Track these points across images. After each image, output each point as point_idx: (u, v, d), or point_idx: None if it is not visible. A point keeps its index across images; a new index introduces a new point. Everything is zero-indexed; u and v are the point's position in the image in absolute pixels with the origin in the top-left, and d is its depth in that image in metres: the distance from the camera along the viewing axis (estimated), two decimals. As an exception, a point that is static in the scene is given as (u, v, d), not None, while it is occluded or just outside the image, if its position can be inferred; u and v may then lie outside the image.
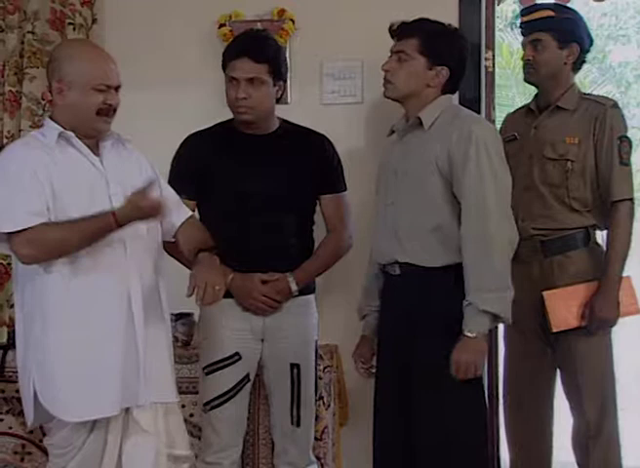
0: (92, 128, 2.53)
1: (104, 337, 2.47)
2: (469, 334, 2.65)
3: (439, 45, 2.81)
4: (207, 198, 3.01)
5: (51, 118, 2.58)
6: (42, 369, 2.47)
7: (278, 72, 2.99)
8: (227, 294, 2.95)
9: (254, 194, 2.95)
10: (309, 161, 3.04)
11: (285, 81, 3.08)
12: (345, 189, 3.14)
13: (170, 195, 2.69)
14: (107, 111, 2.51)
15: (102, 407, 2.47)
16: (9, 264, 3.64)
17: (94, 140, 2.56)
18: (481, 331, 2.66)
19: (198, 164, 3.00)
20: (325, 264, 3.09)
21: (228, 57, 2.97)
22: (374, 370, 2.99)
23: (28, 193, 2.42)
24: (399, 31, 2.87)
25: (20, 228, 2.40)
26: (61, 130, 2.51)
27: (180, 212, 2.71)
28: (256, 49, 2.95)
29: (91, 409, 2.47)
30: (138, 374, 2.49)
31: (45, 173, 2.44)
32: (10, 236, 2.42)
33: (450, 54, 2.84)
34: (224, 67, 2.99)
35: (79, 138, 2.52)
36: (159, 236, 2.65)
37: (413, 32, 2.82)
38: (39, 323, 2.47)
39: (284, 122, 3.09)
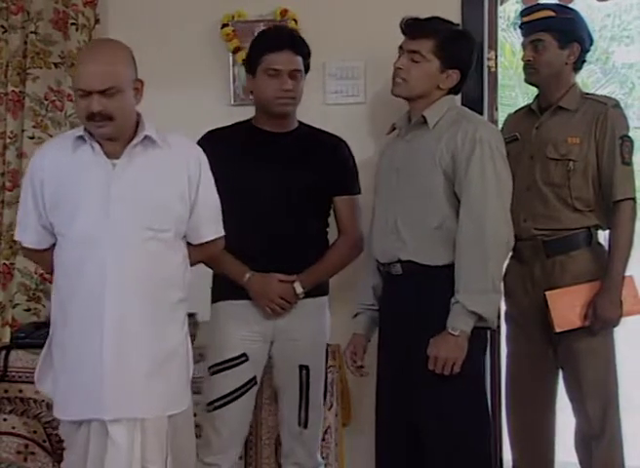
0: (93, 133, 2.52)
1: (75, 342, 2.51)
2: (452, 332, 2.67)
3: (454, 48, 2.82)
4: (224, 196, 2.94)
5: None
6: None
7: (308, 66, 3.04)
8: (238, 296, 2.97)
9: (271, 192, 2.94)
10: (325, 162, 3.04)
11: None
12: (359, 192, 3.13)
13: (204, 208, 2.64)
14: (92, 117, 2.47)
15: (62, 408, 2.57)
16: (12, 264, 3.66)
17: (120, 142, 2.54)
18: (465, 329, 2.67)
19: (217, 161, 2.80)
20: (334, 267, 3.07)
21: (266, 50, 2.95)
22: (365, 369, 2.99)
23: (26, 213, 2.63)
24: (414, 30, 2.85)
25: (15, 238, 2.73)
26: (81, 133, 2.54)
27: (209, 229, 2.68)
28: (295, 42, 3.00)
29: (62, 409, 2.58)
30: (101, 386, 2.47)
31: (42, 178, 2.56)
32: None
33: (463, 57, 2.86)
34: (256, 61, 2.97)
35: (100, 142, 2.53)
36: (169, 243, 2.60)
37: (429, 33, 2.82)
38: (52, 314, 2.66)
39: (301, 123, 3.10)
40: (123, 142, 2.54)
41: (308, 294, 3.00)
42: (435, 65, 2.82)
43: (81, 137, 2.55)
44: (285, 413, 3.08)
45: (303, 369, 3.01)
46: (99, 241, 2.48)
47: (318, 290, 3.04)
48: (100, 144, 2.53)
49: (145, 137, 2.55)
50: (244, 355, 2.97)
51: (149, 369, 2.52)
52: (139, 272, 2.51)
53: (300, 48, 3.01)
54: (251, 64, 3.01)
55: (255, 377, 3.01)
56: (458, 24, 2.93)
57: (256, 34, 3.19)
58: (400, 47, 2.88)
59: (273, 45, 2.96)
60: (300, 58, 2.98)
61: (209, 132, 3.06)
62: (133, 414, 2.49)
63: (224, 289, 2.99)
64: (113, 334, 2.47)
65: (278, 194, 2.95)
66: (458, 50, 2.84)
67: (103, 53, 2.51)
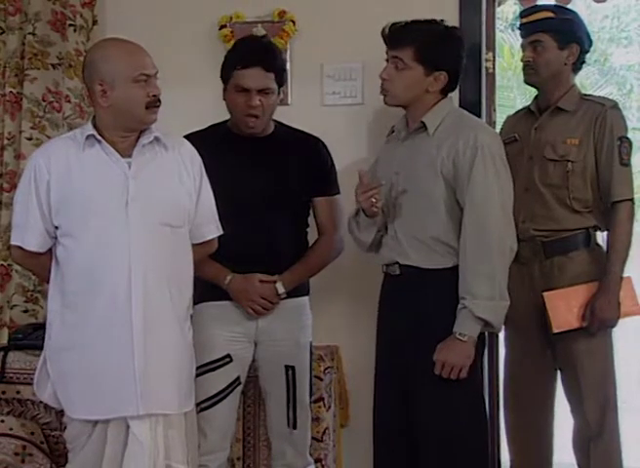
0: (142, 122, 2.55)
1: (100, 341, 2.50)
2: (460, 338, 2.68)
3: (436, 52, 2.81)
4: None
5: (93, 119, 2.60)
6: (49, 360, 2.60)
7: (282, 80, 3.00)
8: (219, 297, 2.97)
9: (248, 195, 2.94)
10: (303, 163, 3.03)
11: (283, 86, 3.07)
12: (338, 192, 3.12)
13: (206, 207, 2.69)
14: (154, 103, 2.54)
15: (81, 408, 2.54)
16: (10, 265, 3.65)
17: (131, 140, 2.56)
18: (472, 335, 2.68)
19: None
20: (314, 267, 3.07)
21: (236, 65, 2.92)
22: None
23: (28, 216, 2.56)
24: (393, 39, 2.84)
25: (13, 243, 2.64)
26: (91, 132, 2.54)
27: (210, 227, 2.73)
28: (266, 58, 2.94)
29: (82, 409, 2.54)
30: (133, 383, 2.48)
31: (47, 180, 2.52)
32: None
33: (447, 58, 2.84)
34: (228, 75, 2.95)
35: (110, 140, 2.54)
36: (182, 241, 2.63)
37: (407, 41, 2.80)
38: (49, 318, 2.61)
39: (279, 124, 3.09)
40: (133, 141, 2.56)
41: (289, 295, 3.00)
42: (419, 71, 2.81)
43: (90, 137, 2.54)
44: (273, 415, 3.07)
45: (289, 369, 3.00)
46: (119, 240, 2.49)
47: (299, 290, 3.04)
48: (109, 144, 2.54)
49: (154, 138, 2.58)
50: (228, 356, 2.97)
51: (174, 366, 2.58)
52: (162, 270, 2.54)
53: (273, 64, 2.94)
54: (223, 76, 2.99)
55: (239, 377, 3.00)
56: (441, 20, 2.88)
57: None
58: (386, 52, 2.88)
59: (243, 61, 2.91)
60: (271, 75, 2.92)
61: (186, 136, 2.97)
62: (160, 410, 2.52)
63: (204, 290, 2.95)
64: (143, 333, 2.49)
65: (256, 197, 2.95)
66: (440, 52, 2.81)
67: (134, 43, 2.58)
